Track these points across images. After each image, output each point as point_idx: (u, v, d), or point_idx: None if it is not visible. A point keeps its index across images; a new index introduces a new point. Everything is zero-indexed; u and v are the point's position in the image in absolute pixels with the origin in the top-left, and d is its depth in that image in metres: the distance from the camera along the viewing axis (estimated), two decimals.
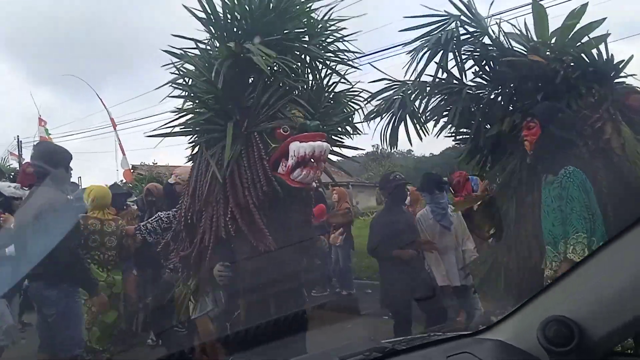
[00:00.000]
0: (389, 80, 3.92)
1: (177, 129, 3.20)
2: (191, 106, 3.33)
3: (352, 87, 3.67)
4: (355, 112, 3.75)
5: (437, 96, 3.73)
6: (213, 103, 3.15)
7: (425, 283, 4.20)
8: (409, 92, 3.75)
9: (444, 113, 3.68)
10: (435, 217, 4.43)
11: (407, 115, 3.80)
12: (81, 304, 3.74)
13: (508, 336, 1.03)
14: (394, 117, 3.83)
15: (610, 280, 0.87)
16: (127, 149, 10.42)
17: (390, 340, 1.14)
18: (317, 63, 3.50)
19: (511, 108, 3.49)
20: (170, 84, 3.23)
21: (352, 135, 3.67)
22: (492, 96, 3.62)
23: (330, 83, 3.55)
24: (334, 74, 3.53)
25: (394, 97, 3.80)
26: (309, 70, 3.53)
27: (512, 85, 3.49)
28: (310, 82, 3.51)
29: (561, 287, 0.95)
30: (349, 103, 3.69)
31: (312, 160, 2.94)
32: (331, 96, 3.59)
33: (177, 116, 3.24)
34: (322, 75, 3.53)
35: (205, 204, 3.07)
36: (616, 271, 0.86)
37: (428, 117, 3.78)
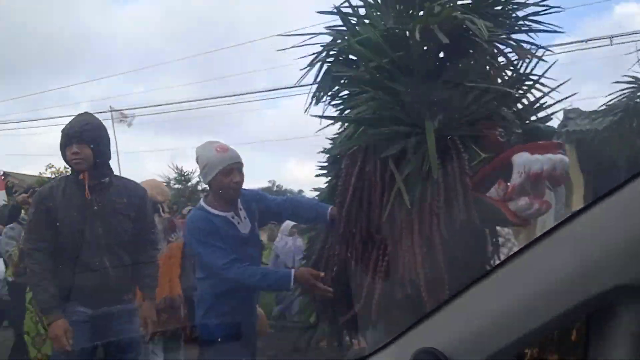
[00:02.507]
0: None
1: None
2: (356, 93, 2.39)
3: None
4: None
5: None
6: (398, 90, 2.21)
7: None
8: None
9: None
10: None
11: None
12: None
13: None
14: None
15: (480, 314, 0.90)
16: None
17: None
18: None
19: None
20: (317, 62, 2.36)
21: None
22: None
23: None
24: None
25: None
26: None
27: None
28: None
29: (435, 318, 0.96)
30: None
31: (548, 180, 2.04)
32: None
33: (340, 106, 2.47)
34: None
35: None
36: (486, 306, 0.89)
37: None
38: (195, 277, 2.91)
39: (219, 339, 2.67)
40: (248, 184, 2.85)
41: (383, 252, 2.29)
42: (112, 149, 2.89)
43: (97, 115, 3.19)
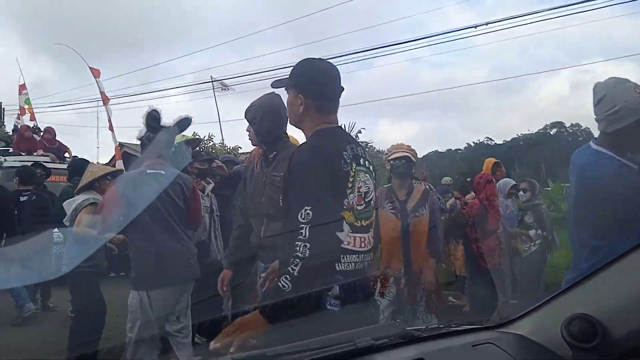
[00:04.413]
0: None
1: None
2: None
3: None
4: None
5: None
6: None
7: None
8: None
9: None
10: None
11: None
12: None
13: (530, 331, 1.05)
14: None
15: (634, 283, 0.91)
16: (115, 126, 10.35)
17: (416, 328, 1.20)
18: None
19: None
20: None
21: None
22: None
23: None
24: None
25: None
26: None
27: None
28: None
29: (584, 286, 0.98)
30: None
31: None
32: None
33: None
34: None
35: None
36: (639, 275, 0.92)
37: None
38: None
39: None
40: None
41: None
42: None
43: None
